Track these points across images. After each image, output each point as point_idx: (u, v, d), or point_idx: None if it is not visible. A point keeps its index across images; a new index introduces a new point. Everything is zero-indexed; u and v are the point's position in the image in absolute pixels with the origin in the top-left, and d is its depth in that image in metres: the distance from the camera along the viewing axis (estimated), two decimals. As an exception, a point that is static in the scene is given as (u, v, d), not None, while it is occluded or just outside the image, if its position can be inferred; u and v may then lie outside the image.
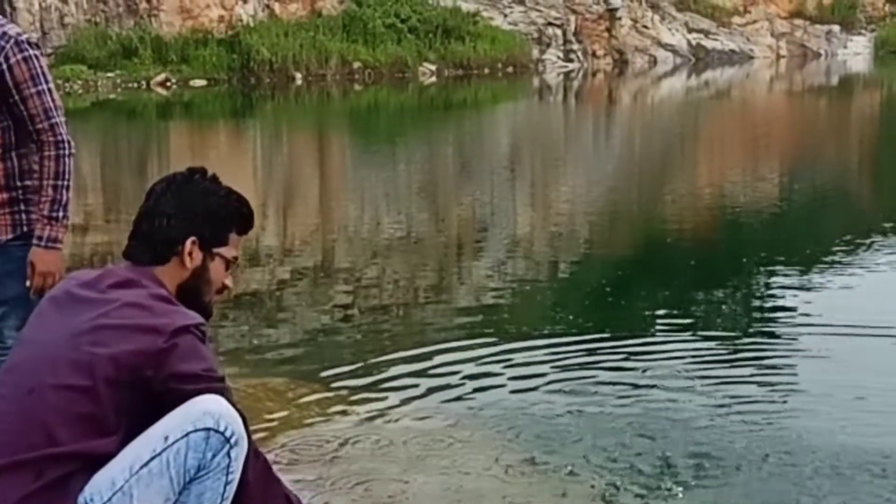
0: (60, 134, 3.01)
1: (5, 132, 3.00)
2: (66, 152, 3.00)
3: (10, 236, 3.03)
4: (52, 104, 2.99)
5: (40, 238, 2.96)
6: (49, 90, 3.00)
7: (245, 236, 2.58)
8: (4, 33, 2.93)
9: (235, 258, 2.53)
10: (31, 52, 2.95)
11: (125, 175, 13.08)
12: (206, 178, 2.53)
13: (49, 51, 24.32)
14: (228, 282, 2.52)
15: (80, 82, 23.64)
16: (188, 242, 2.42)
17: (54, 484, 2.15)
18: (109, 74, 24.11)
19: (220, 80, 24.75)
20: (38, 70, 2.96)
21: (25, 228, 3.05)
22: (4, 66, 2.91)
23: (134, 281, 2.34)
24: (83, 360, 2.21)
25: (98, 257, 7.87)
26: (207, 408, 2.22)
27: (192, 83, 24.36)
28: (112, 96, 22.96)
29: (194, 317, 2.30)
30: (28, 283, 3.02)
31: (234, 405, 2.31)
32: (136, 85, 24.03)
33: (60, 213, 2.96)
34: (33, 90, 2.95)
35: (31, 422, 2.17)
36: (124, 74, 24.16)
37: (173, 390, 2.22)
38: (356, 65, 26.37)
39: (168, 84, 24.26)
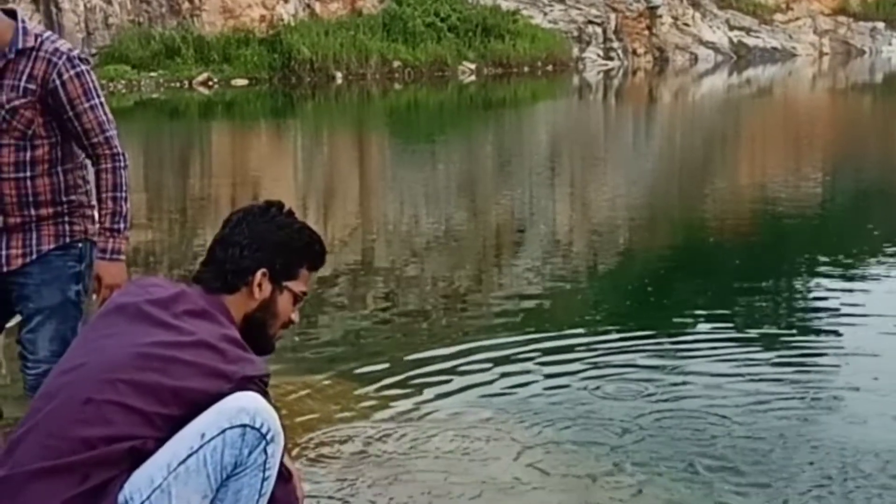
0: (116, 147, 3.05)
1: (53, 148, 3.04)
2: (122, 164, 3.05)
3: (52, 246, 3.07)
4: (105, 118, 3.04)
5: (104, 251, 2.99)
6: (101, 104, 3.04)
7: (315, 273, 2.59)
8: (56, 49, 2.98)
9: (304, 293, 2.55)
10: (83, 67, 3.00)
11: (168, 174, 13.21)
12: (282, 212, 2.55)
13: (93, 51, 24.61)
14: (295, 317, 2.55)
15: (123, 82, 23.89)
16: (258, 274, 2.45)
17: (98, 487, 2.17)
18: (152, 74, 24.34)
19: (261, 79, 24.90)
20: (91, 85, 3.01)
21: (67, 240, 3.09)
22: (58, 83, 2.95)
23: (208, 313, 2.36)
24: (148, 385, 2.22)
25: (141, 256, 7.95)
26: (243, 405, 2.24)
27: (233, 82, 24.53)
28: (155, 96, 23.18)
29: (260, 368, 2.33)
30: (95, 296, 3.06)
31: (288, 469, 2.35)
32: (178, 84, 24.24)
33: (122, 225, 3.00)
34: (87, 105, 2.99)
35: (83, 430, 2.18)
36: (167, 74, 24.38)
37: None
38: (396, 64, 26.42)
39: (210, 83, 24.45)
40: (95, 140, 3.01)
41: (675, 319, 5.95)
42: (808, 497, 3.49)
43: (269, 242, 2.47)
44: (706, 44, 32.07)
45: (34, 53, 2.94)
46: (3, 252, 3.05)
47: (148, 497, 2.18)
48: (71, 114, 2.98)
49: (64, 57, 2.96)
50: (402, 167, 13.32)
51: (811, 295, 6.53)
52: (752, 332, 5.65)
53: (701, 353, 5.18)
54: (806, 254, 7.67)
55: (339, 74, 25.54)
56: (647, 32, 31.25)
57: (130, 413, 2.20)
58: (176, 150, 16.03)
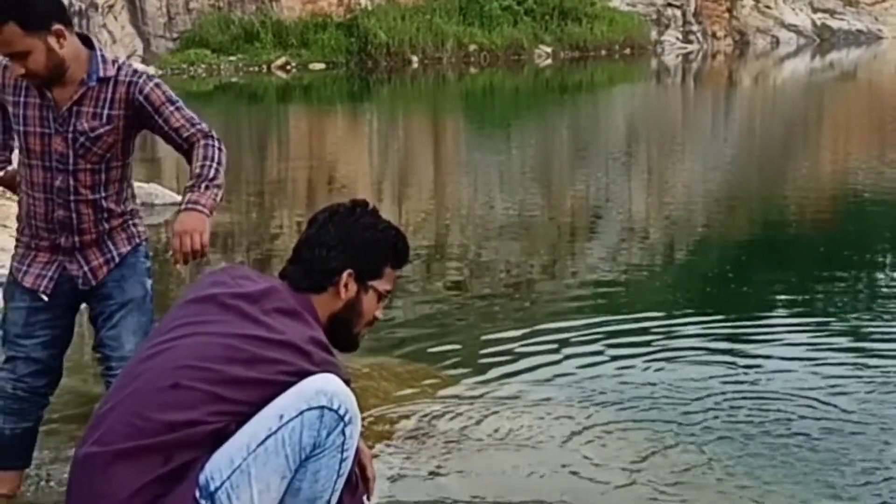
0: (210, 132, 3.14)
1: (125, 168, 3.15)
2: (216, 143, 3.13)
3: (128, 248, 3.17)
4: (192, 114, 3.14)
5: (181, 203, 3.05)
6: (184, 106, 3.14)
7: (399, 271, 2.62)
8: (135, 72, 3.09)
9: (389, 292, 2.59)
10: (157, 79, 3.14)
11: (246, 157, 13.37)
12: (368, 212, 2.59)
13: (175, 35, 24.99)
14: (379, 314, 2.59)
15: (203, 66, 24.22)
16: (345, 274, 2.49)
17: (180, 468, 2.20)
18: (231, 58, 24.64)
19: (338, 63, 25.05)
20: (170, 92, 3.13)
21: (136, 240, 3.20)
22: (141, 98, 3.05)
23: (297, 313, 2.40)
24: (234, 377, 2.26)
25: (220, 238, 8.07)
26: (320, 387, 2.26)
27: (311, 67, 24.72)
28: (234, 80, 23.47)
29: (343, 373, 2.36)
30: (170, 253, 3.11)
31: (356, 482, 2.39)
32: (256, 68, 24.51)
33: (203, 184, 3.02)
34: (172, 108, 3.09)
35: (168, 413, 2.22)
36: (246, 58, 24.66)
37: None
38: (472, 48, 26.37)
39: (288, 68, 24.68)
40: (188, 133, 3.10)
41: (752, 306, 5.87)
42: (879, 484, 3.44)
43: (355, 243, 2.51)
44: (788, 26, 31.43)
45: (114, 80, 3.04)
46: (86, 268, 3.14)
47: (228, 478, 2.20)
48: (160, 120, 3.08)
49: (143, 76, 3.08)
50: (477, 151, 13.31)
51: (892, 283, 6.38)
52: (830, 320, 5.55)
53: (777, 339, 5.12)
54: (888, 242, 7.49)
55: (415, 59, 25.58)
56: (727, 15, 30.73)
57: (215, 401, 2.24)
58: (254, 133, 16.22)
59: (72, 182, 3.06)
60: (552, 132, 15.35)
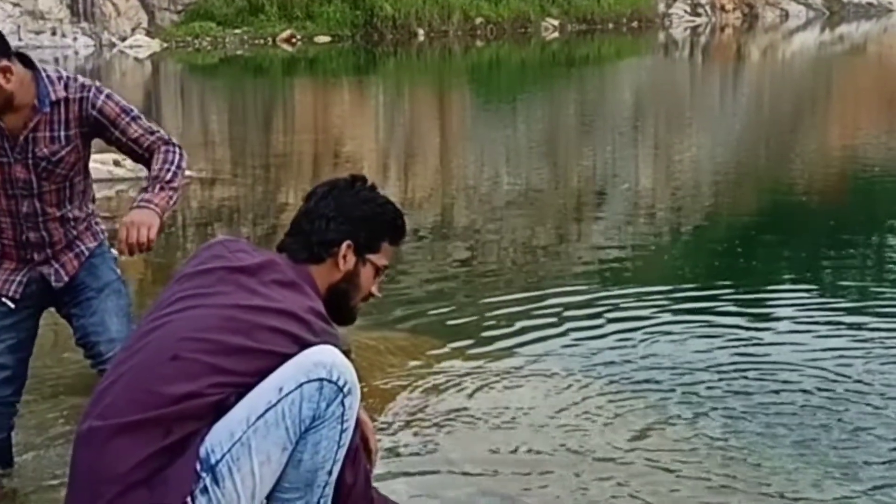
0: (170, 138, 3.16)
1: (87, 177, 3.18)
2: (175, 149, 3.12)
3: (95, 244, 3.20)
4: (149, 124, 3.15)
5: (136, 201, 3.05)
6: (141, 116, 3.13)
7: (397, 247, 2.64)
8: (83, 85, 3.06)
9: (386, 267, 2.59)
10: (107, 91, 3.12)
11: (252, 130, 13.35)
12: (367, 187, 2.60)
13: (179, 8, 24.89)
14: (376, 290, 2.59)
15: (208, 39, 24.17)
16: (344, 245, 2.49)
17: (181, 441, 2.21)
18: (237, 31, 24.57)
19: (343, 36, 24.97)
20: (123, 102, 3.12)
21: (102, 235, 3.24)
22: (95, 112, 3.04)
23: (296, 285, 2.41)
24: (234, 346, 2.27)
25: (226, 211, 8.06)
26: (319, 359, 2.27)
27: (316, 39, 24.64)
28: (239, 52, 23.41)
29: (343, 344, 2.38)
30: (116, 242, 3.10)
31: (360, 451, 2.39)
32: (262, 41, 24.44)
33: (158, 186, 3.02)
34: (128, 118, 3.09)
35: (169, 386, 2.22)
36: (251, 31, 24.59)
37: None
38: (478, 20, 26.26)
39: (293, 40, 24.60)
40: (148, 142, 3.11)
41: (758, 279, 5.85)
42: (884, 456, 3.43)
43: (354, 216, 2.52)
44: (797, -1, 31.22)
45: (66, 100, 3.03)
46: (57, 265, 3.14)
47: (228, 450, 2.21)
48: (117, 132, 3.08)
49: (92, 89, 3.06)
50: (483, 125, 13.27)
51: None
52: (837, 293, 5.54)
53: (783, 311, 5.11)
54: (894, 216, 7.46)
55: (421, 32, 25.48)
56: (736, -12, 30.53)
57: (215, 372, 2.25)
58: (259, 106, 16.18)
59: (38, 205, 3.06)
60: (559, 106, 15.29)
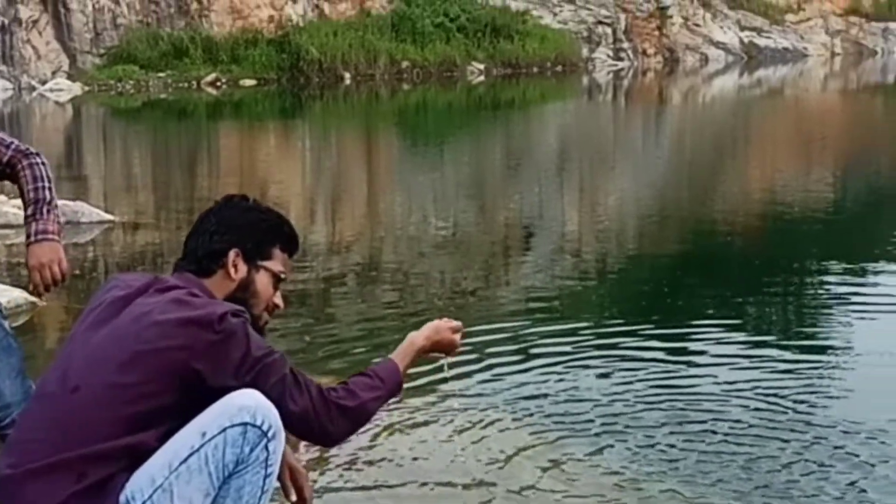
0: (26, 147, 3.07)
1: None
2: (38, 160, 3.03)
3: None
4: (2, 136, 3.05)
5: (29, 235, 2.97)
6: None
7: (292, 258, 2.63)
8: None
9: (282, 273, 2.56)
10: None
11: (175, 174, 13.20)
12: (246, 200, 2.62)
13: (101, 51, 24.64)
14: (278, 300, 2.56)
15: (131, 82, 23.93)
16: (231, 254, 2.48)
17: (97, 485, 2.17)
18: (161, 74, 24.38)
19: (269, 79, 24.92)
20: None
21: None
22: None
23: (178, 286, 2.40)
24: (129, 358, 2.24)
25: (149, 255, 7.93)
26: (243, 402, 2.24)
27: (241, 83, 24.56)
28: (163, 96, 23.21)
29: (232, 305, 2.34)
30: (30, 287, 3.01)
31: (298, 376, 2.34)
32: (186, 85, 24.28)
33: (44, 209, 2.96)
34: None
35: (76, 420, 2.20)
36: (175, 74, 24.42)
37: (239, 376, 2.27)
38: (405, 64, 26.42)
39: (218, 84, 24.48)
40: (7, 158, 3.01)
41: (682, 314, 5.91)
42: (807, 490, 3.48)
43: (236, 225, 2.53)
44: (717, 44, 32.00)
45: None
46: None
47: (150, 496, 2.19)
48: None
49: None
50: (410, 168, 13.30)
51: (821, 296, 6.47)
52: (756, 330, 5.64)
53: (705, 345, 5.18)
54: (816, 256, 7.61)
55: (347, 75, 25.55)
56: (657, 33, 31.18)
57: (120, 389, 2.22)
58: (184, 150, 16.03)
59: None
60: (486, 149, 15.40)
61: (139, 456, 2.20)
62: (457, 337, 2.66)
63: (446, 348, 2.65)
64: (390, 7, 27.34)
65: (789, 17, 33.67)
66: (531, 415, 4.18)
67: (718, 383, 4.57)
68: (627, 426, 4.06)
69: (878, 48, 34.09)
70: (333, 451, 3.81)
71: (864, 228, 8.86)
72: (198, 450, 2.18)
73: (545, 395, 4.43)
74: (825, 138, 15.90)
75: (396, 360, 2.56)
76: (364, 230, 9.05)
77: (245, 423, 2.21)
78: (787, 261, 7.50)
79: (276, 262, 2.54)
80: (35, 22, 24.07)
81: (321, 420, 2.32)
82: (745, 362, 4.93)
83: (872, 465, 3.68)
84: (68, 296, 6.24)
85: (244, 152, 15.55)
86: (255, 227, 2.53)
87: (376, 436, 3.97)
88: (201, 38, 24.86)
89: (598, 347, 5.16)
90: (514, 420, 4.12)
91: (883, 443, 3.86)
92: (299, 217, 8.71)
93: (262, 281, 2.51)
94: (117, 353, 2.24)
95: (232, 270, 2.47)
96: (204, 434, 2.19)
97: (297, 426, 2.32)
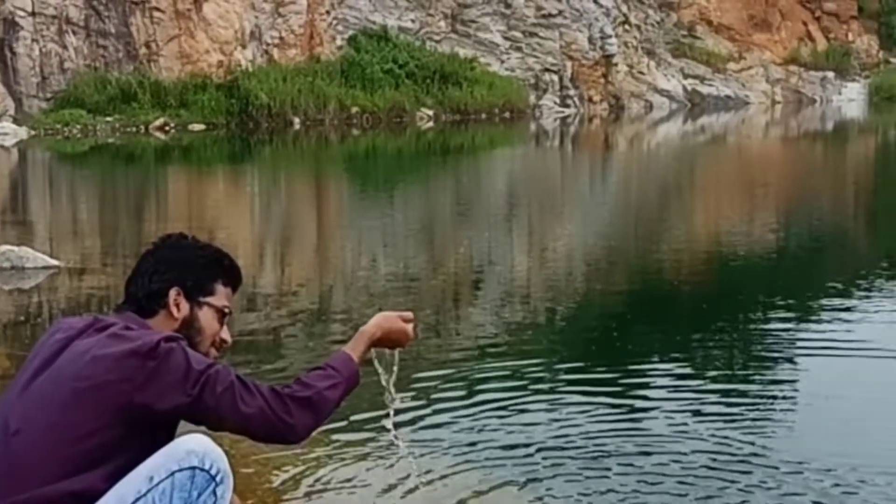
0: None
1: None
2: None
3: None
4: None
5: None
6: None
7: (236, 292, 2.60)
8: None
9: (226, 307, 2.55)
10: None
11: (123, 219, 13.09)
12: (184, 237, 2.61)
13: (49, 95, 24.44)
14: (226, 335, 2.55)
15: (79, 127, 23.73)
16: (172, 292, 2.47)
17: None
18: (108, 119, 24.22)
19: (218, 124, 24.87)
20: None
21: None
22: None
23: (116, 323, 2.39)
24: (70, 397, 2.22)
25: (95, 300, 7.85)
26: (191, 447, 2.23)
27: (190, 128, 24.47)
28: (111, 140, 23.04)
29: (168, 332, 2.34)
30: None
31: (246, 381, 2.32)
32: (134, 129, 24.14)
33: None
34: None
35: (19, 463, 2.17)
36: (123, 119, 24.27)
37: (185, 391, 2.25)
38: (354, 110, 26.52)
39: (167, 128, 24.37)
40: None
41: (633, 362, 5.95)
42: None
43: (174, 263, 2.52)
44: (661, 91, 32.53)
45: None
46: None
47: None
48: None
49: None
50: (359, 213, 13.31)
51: (766, 337, 6.56)
52: (708, 375, 5.67)
53: (657, 395, 5.20)
54: (761, 298, 7.73)
55: (296, 120, 25.57)
56: (602, 80, 31.64)
57: (61, 429, 2.20)
58: (131, 195, 15.91)
59: None
60: (435, 194, 15.47)
61: (86, 501, 2.17)
62: (409, 327, 2.65)
63: (399, 338, 2.64)
64: (339, 53, 27.49)
65: (731, 65, 34.36)
66: (479, 458, 4.19)
67: (668, 425, 4.61)
68: (577, 469, 4.08)
69: (816, 96, 34.88)
70: (272, 495, 3.78)
71: (807, 271, 9.02)
72: (145, 494, 2.16)
73: (493, 440, 4.43)
74: (768, 184, 16.19)
75: (348, 350, 2.57)
76: (313, 275, 9.03)
77: (193, 468, 2.20)
78: (733, 303, 7.61)
79: (220, 297, 2.53)
80: (-20, 66, 23.83)
81: (279, 415, 2.32)
82: (695, 404, 4.98)
83: (818, 504, 3.74)
84: (12, 343, 6.16)
85: (193, 197, 15.47)
86: (194, 264, 2.52)
87: (316, 480, 3.97)
88: (150, 82, 24.77)
89: (547, 391, 5.19)
90: (461, 464, 4.12)
91: (827, 481, 3.93)
92: (248, 262, 8.68)
93: (206, 317, 2.49)
94: (58, 394, 2.22)
95: (174, 309, 2.46)
96: (151, 479, 2.18)
97: (258, 428, 2.31)
